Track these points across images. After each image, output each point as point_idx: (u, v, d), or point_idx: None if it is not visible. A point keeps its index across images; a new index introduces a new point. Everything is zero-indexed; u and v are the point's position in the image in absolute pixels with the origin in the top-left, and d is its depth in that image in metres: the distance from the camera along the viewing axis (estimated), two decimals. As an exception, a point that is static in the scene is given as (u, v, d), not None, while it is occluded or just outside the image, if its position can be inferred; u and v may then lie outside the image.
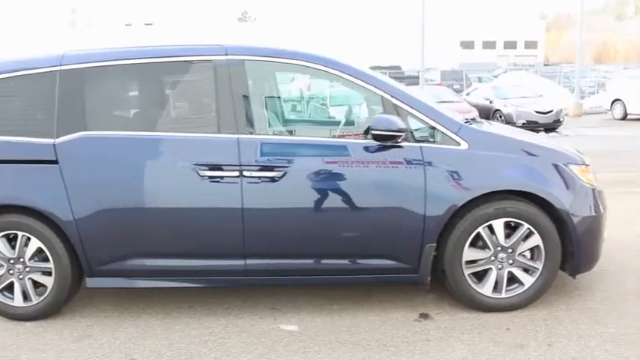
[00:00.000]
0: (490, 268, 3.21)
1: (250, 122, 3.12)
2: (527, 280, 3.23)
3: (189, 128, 3.16)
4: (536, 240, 3.17)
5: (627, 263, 4.00)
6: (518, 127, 13.19)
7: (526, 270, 3.22)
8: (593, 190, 3.28)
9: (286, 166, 3.06)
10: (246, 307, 3.41)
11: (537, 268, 3.21)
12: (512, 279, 3.23)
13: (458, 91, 16.83)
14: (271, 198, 3.09)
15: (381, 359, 2.79)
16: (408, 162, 3.09)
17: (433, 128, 3.15)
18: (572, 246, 3.19)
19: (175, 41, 3.33)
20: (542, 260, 3.19)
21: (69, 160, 3.10)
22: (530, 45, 55.91)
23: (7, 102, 3.21)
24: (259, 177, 3.05)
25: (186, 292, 3.56)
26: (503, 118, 13.45)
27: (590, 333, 2.97)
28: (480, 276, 3.23)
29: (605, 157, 9.12)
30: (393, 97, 3.15)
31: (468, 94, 15.52)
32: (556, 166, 3.20)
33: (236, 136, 3.08)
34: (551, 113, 13.54)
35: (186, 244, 3.17)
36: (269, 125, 3.26)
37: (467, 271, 3.20)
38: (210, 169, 3.05)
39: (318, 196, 3.10)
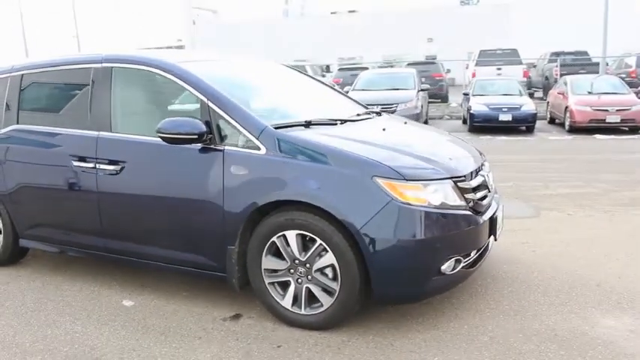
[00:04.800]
0: (289, 281, 3.07)
1: (108, 121, 3.57)
2: (326, 301, 2.99)
3: (77, 125, 3.74)
4: (330, 258, 2.91)
5: (529, 308, 3.27)
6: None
7: (327, 289, 2.98)
8: (418, 211, 2.81)
9: (124, 162, 3.45)
10: (127, 281, 3.89)
11: (335, 290, 2.94)
12: (316, 297, 3.03)
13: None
14: (114, 189, 3.51)
15: (145, 343, 3.00)
16: (211, 164, 3.15)
17: (239, 132, 3.12)
18: (369, 270, 2.83)
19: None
20: (339, 281, 2.91)
21: (4, 147, 4.03)
22: None
23: None
24: (106, 170, 3.50)
25: (111, 265, 4.19)
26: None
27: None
28: (286, 287, 3.11)
29: None
30: (209, 100, 3.22)
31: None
32: (356, 178, 2.85)
33: (97, 133, 3.59)
34: None
35: (67, 220, 3.83)
36: (123, 125, 3.62)
37: (267, 280, 3.13)
38: (78, 160, 3.63)
39: (142, 190, 3.41)
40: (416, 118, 12.66)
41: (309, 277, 3.01)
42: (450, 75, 25.60)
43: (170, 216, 3.35)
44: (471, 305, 3.30)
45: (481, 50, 18.92)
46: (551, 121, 13.58)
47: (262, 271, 3.12)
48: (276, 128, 3.13)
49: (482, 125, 12.20)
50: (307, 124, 3.31)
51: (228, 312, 3.35)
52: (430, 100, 18.40)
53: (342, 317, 3.00)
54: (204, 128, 3.13)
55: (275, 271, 3.11)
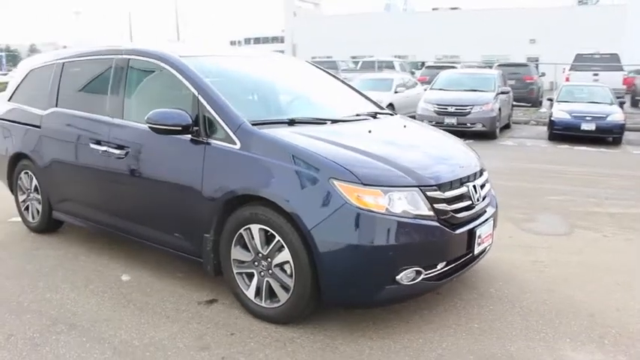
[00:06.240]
0: (253, 273, 3.16)
1: (121, 109, 3.87)
2: (283, 296, 3.06)
3: (98, 110, 4.08)
4: (286, 255, 2.96)
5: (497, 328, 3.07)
6: None
7: (284, 285, 3.03)
8: (371, 216, 2.77)
9: (129, 147, 3.72)
10: (134, 257, 4.19)
11: (290, 286, 2.98)
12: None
13: None
14: (120, 171, 3.79)
15: (119, 315, 3.24)
16: (195, 155, 3.31)
17: (221, 126, 3.24)
18: (318, 271, 2.84)
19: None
20: (294, 278, 2.95)
21: (44, 127, 4.50)
22: None
23: (37, 82, 4.81)
24: (115, 153, 3.80)
25: (128, 241, 4.48)
26: None
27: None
28: (252, 278, 3.21)
29: None
30: (199, 93, 3.37)
31: None
32: (314, 179, 2.87)
33: (111, 119, 3.90)
34: None
35: (84, 197, 4.22)
36: (132, 113, 3.87)
37: (235, 270, 3.25)
38: (95, 143, 3.97)
39: (144, 174, 3.64)
40: (491, 121, 12.14)
41: (270, 271, 3.09)
42: (551, 79, 24.04)
43: (163, 201, 3.56)
44: (439, 319, 3.19)
45: (577, 54, 17.50)
46: (649, 133, 12.35)
47: (231, 260, 3.25)
48: (256, 124, 3.23)
49: (562, 134, 11.38)
50: (291, 122, 3.37)
51: (207, 296, 3.52)
52: (519, 104, 17.47)
53: (297, 314, 3.04)
54: (189, 121, 3.29)
55: (242, 262, 3.22)
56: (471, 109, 12.02)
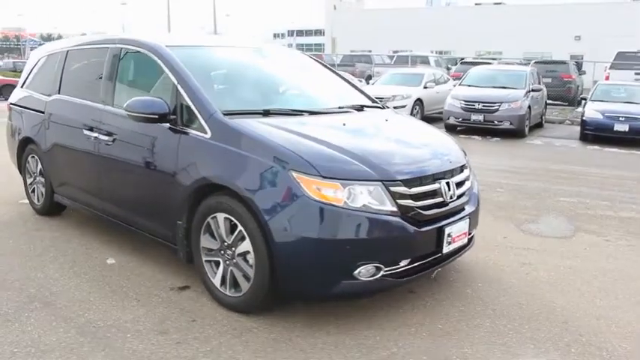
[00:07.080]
0: (219, 261, 3.19)
1: (111, 96, 3.96)
2: (244, 286, 3.07)
3: (93, 98, 4.18)
4: (247, 245, 2.97)
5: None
6: None
7: (246, 275, 3.04)
8: (328, 209, 2.75)
9: (116, 134, 3.81)
10: (124, 242, 4.29)
11: (251, 276, 2.99)
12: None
13: None
14: (109, 157, 3.89)
15: (93, 296, 3.34)
16: (172, 143, 3.36)
17: (195, 115, 3.27)
18: (274, 262, 2.84)
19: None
20: (254, 268, 2.96)
21: (47, 113, 4.66)
22: None
23: (45, 70, 4.98)
24: (104, 140, 3.90)
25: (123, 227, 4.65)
26: None
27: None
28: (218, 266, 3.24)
29: None
30: (178, 82, 3.41)
31: None
32: (275, 170, 2.86)
33: (103, 106, 4.00)
34: None
35: (79, 182, 4.35)
36: (121, 100, 3.93)
37: (204, 257, 3.29)
38: (88, 130, 4.09)
39: (128, 160, 3.71)
40: (520, 119, 11.78)
41: (234, 260, 3.11)
42: (594, 77, 23.15)
43: (145, 188, 3.64)
44: (404, 318, 3.12)
45: (619, 52, 16.72)
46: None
47: (200, 248, 3.29)
48: (229, 114, 3.25)
49: (594, 134, 10.93)
50: (265, 113, 3.37)
51: (181, 283, 3.57)
52: (555, 102, 16.88)
53: (257, 304, 3.05)
54: (166, 109, 3.34)
55: (210, 250, 3.25)
56: (499, 106, 11.70)
